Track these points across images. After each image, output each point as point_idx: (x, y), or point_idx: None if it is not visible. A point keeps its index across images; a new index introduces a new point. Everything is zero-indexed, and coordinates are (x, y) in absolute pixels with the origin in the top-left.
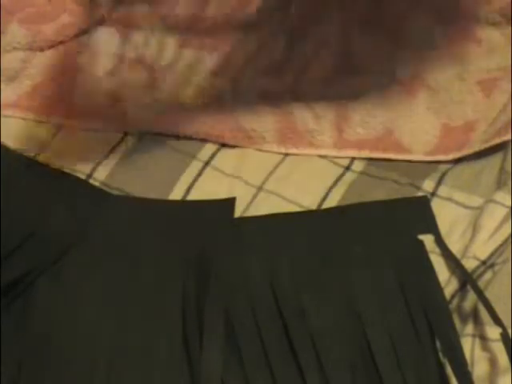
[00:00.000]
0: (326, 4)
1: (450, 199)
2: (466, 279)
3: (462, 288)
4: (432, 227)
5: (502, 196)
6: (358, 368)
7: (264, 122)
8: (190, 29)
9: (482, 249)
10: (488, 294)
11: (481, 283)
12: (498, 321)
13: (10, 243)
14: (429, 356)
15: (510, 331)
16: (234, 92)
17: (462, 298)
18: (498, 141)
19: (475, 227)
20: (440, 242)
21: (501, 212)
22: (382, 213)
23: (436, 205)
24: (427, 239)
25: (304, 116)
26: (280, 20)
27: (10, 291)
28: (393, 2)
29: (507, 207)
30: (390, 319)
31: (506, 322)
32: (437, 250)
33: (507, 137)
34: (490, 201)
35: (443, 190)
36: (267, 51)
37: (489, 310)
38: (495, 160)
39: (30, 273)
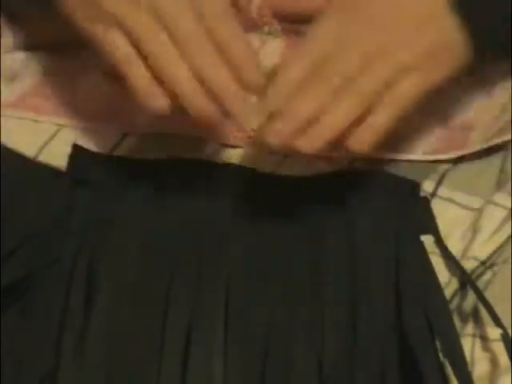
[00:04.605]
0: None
1: (450, 200)
2: (466, 280)
3: (462, 288)
4: (432, 228)
5: (501, 197)
6: None
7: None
8: None
9: (482, 250)
10: (488, 294)
11: (481, 284)
12: (497, 321)
13: (9, 244)
14: (429, 356)
15: (510, 331)
16: None
17: (462, 299)
18: (498, 141)
19: (475, 228)
20: (440, 242)
21: (501, 213)
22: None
23: (436, 205)
24: (427, 240)
25: None
26: (278, 21)
27: (10, 292)
28: None
29: (507, 209)
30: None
31: (506, 322)
32: (437, 250)
33: (507, 137)
34: (489, 202)
35: (443, 191)
36: (267, 52)
37: (489, 311)
38: (495, 161)
39: (30, 273)
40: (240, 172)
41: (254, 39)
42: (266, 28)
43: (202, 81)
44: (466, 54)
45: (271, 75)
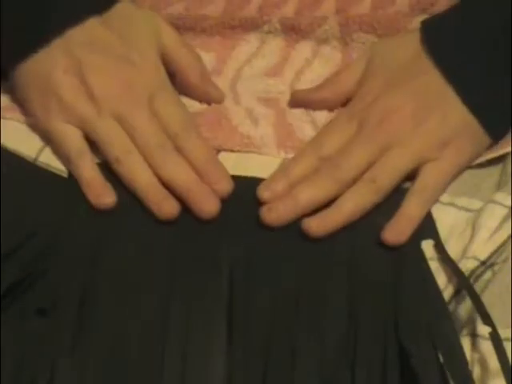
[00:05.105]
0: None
1: (450, 204)
2: (463, 285)
3: (461, 290)
4: (432, 233)
5: (502, 196)
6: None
7: (262, 127)
8: (188, 28)
9: (482, 249)
10: (488, 294)
11: (480, 283)
12: (490, 323)
13: (9, 244)
14: (427, 356)
15: (509, 331)
16: (231, 94)
17: (461, 300)
18: (499, 152)
19: (475, 227)
20: (439, 247)
21: (501, 212)
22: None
23: (437, 209)
24: (427, 244)
25: (303, 124)
26: (280, 19)
27: (10, 292)
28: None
29: (507, 207)
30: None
31: (506, 322)
32: (436, 255)
33: (507, 149)
34: (489, 201)
35: (443, 196)
36: (267, 51)
37: (483, 316)
38: (496, 166)
39: (30, 273)
40: (242, 178)
41: (254, 38)
42: (266, 27)
43: (166, 184)
44: (482, 138)
45: None
